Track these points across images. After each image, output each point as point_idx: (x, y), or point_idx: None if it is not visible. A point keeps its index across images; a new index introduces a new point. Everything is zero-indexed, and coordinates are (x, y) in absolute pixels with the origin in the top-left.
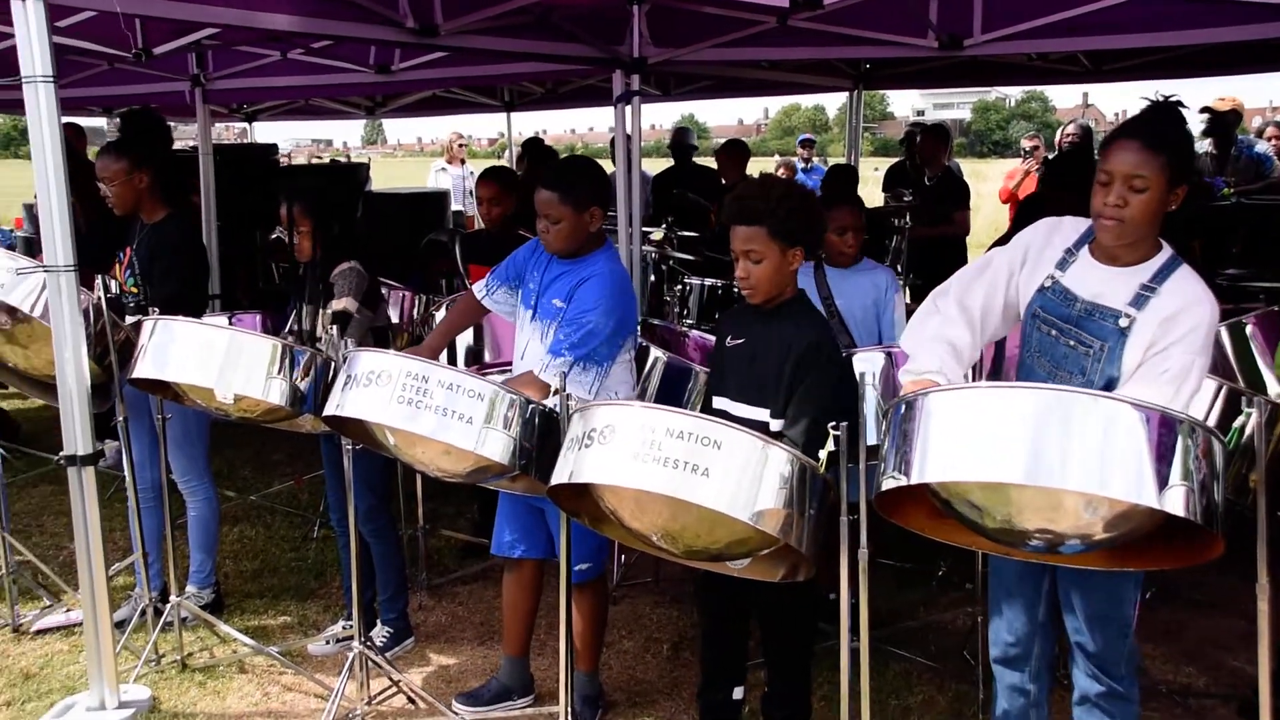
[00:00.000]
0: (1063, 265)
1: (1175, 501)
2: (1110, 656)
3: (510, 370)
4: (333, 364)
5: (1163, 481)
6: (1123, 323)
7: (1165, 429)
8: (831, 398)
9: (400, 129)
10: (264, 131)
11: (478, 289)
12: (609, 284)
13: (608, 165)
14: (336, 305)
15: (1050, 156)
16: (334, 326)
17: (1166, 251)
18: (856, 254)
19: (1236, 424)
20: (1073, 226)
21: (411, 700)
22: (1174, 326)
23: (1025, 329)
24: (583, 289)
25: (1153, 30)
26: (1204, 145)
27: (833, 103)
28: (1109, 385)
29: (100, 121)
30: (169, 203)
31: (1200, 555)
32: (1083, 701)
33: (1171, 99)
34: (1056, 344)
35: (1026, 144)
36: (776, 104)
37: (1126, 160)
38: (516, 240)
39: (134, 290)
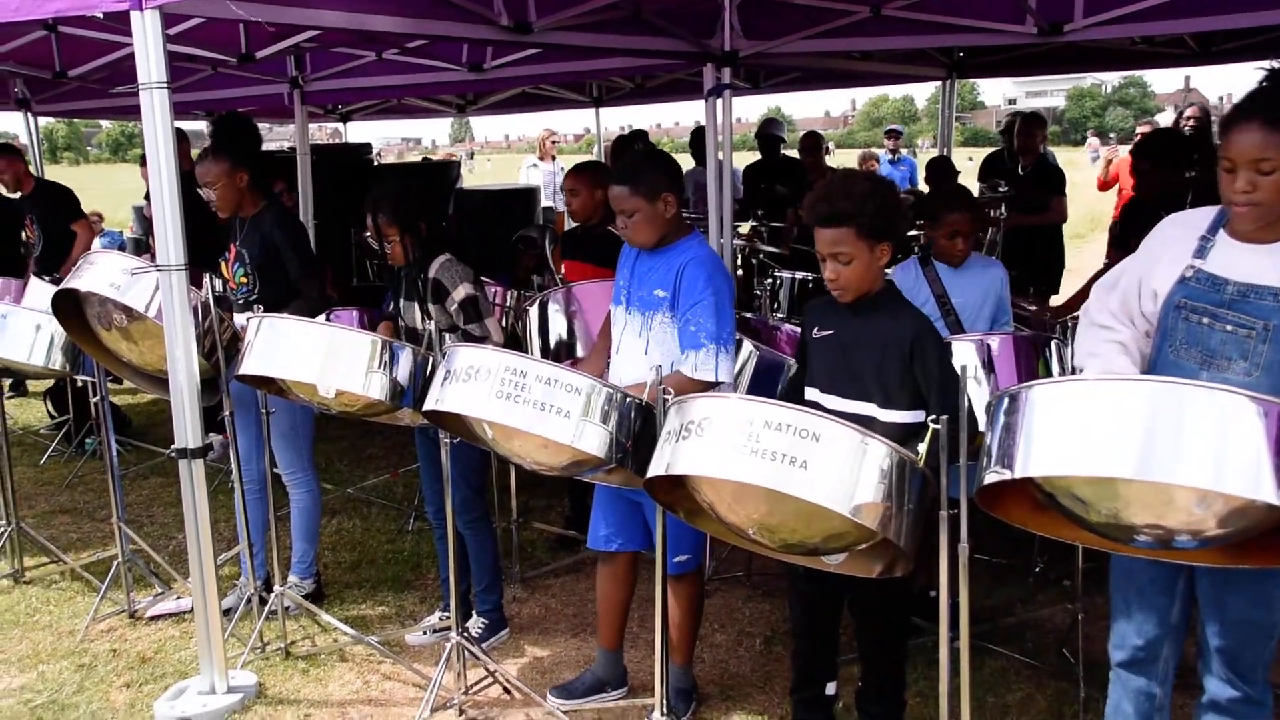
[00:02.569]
0: (1201, 253)
1: None
2: (1250, 661)
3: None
4: (431, 359)
5: None
6: None
7: None
8: (954, 381)
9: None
10: (356, 131)
11: (611, 310)
12: (711, 264)
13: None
14: (459, 295)
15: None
16: (462, 316)
17: None
18: (967, 253)
19: None
20: (1202, 215)
21: (507, 690)
22: None
23: (1166, 323)
24: (687, 272)
25: (1266, 9)
26: None
27: (921, 93)
28: (1276, 367)
29: (201, 125)
30: (265, 195)
31: None
32: (1212, 706)
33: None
34: (1211, 332)
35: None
36: (864, 95)
37: (1249, 143)
38: (603, 235)
39: (244, 281)
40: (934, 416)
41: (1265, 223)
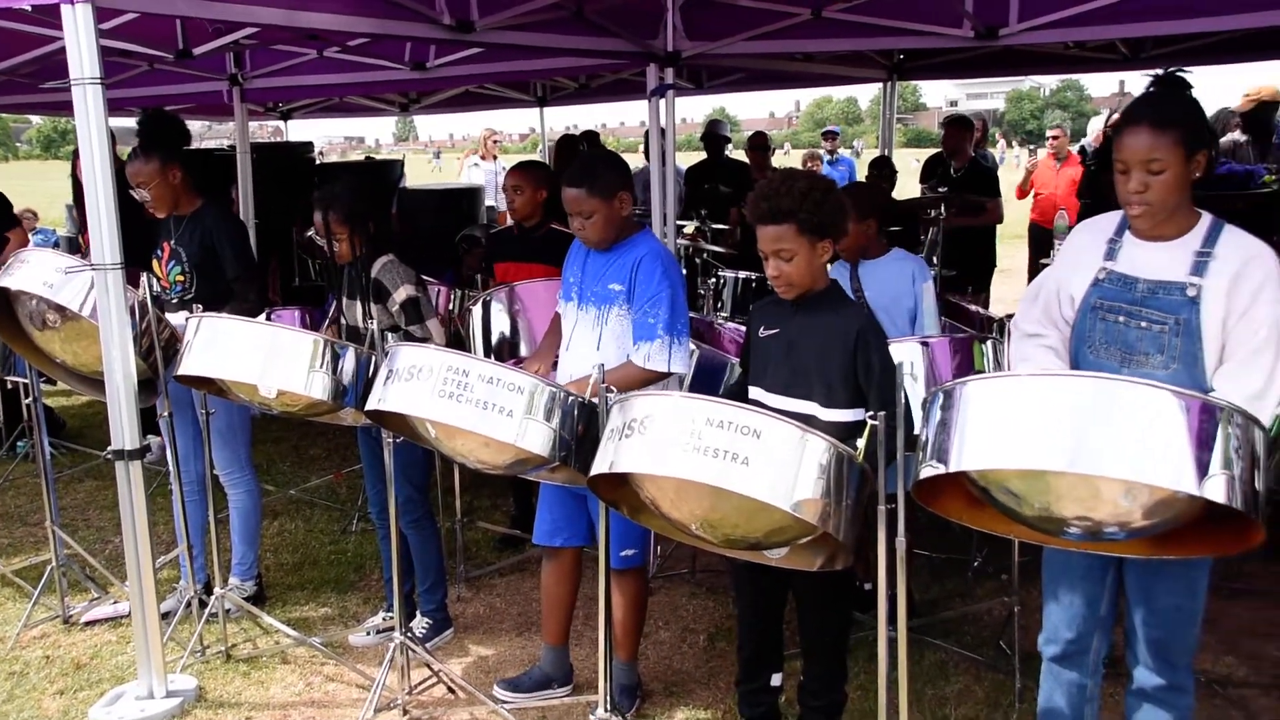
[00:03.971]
0: (1111, 255)
1: (1216, 489)
2: (1178, 648)
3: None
4: (373, 358)
5: (1203, 469)
6: (1190, 292)
7: (1206, 416)
8: (892, 374)
9: (431, 125)
10: (297, 129)
11: (560, 308)
12: (667, 259)
13: (638, 160)
14: (400, 296)
15: (1084, 145)
16: (404, 316)
17: (1207, 216)
18: (870, 249)
19: (1279, 412)
20: (1109, 219)
21: (451, 690)
22: (1245, 284)
23: (1083, 326)
24: (644, 265)
25: (1191, 16)
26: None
27: (865, 94)
28: (1192, 359)
29: (131, 122)
30: (201, 193)
31: (1241, 543)
32: (1140, 694)
33: (1170, 70)
34: (1126, 329)
35: (1053, 134)
36: (808, 96)
37: (1138, 145)
38: (546, 235)
39: (180, 280)
40: (872, 413)
41: (1159, 221)
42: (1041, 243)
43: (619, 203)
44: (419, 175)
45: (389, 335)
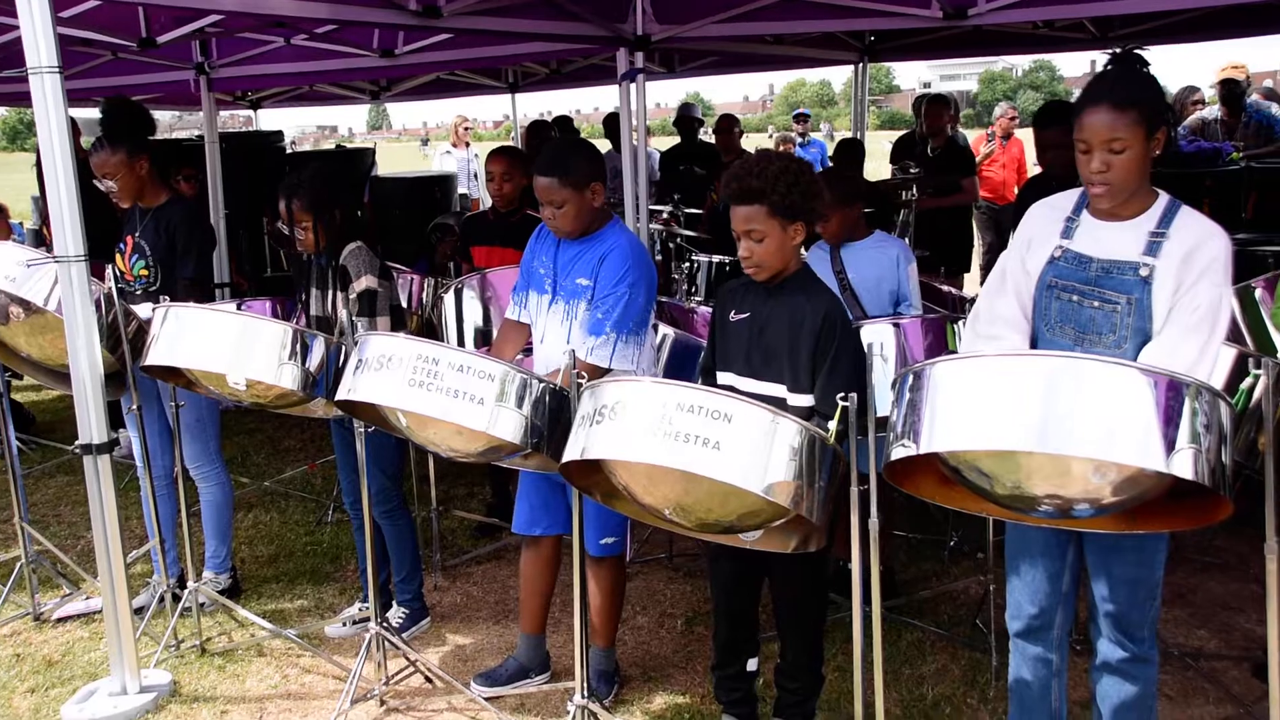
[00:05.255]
0: (1068, 233)
1: (1183, 464)
2: (1137, 620)
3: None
4: (344, 348)
5: (1170, 445)
6: (1143, 272)
7: (1173, 392)
8: (854, 368)
9: (405, 113)
10: (268, 119)
11: (510, 312)
12: (631, 254)
13: (605, 144)
14: (359, 286)
15: None
16: (357, 306)
17: (1164, 197)
18: (852, 231)
19: (1244, 386)
20: (1067, 197)
21: (429, 679)
22: (1194, 263)
23: (1040, 303)
24: (608, 263)
25: None
26: (1214, 111)
27: (838, 77)
28: (1142, 337)
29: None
30: (168, 186)
31: (1209, 517)
32: (1104, 667)
33: (1128, 48)
34: (1080, 308)
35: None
36: (781, 80)
37: (1100, 125)
38: (521, 220)
39: (144, 274)
40: (843, 394)
41: (1121, 200)
42: (996, 221)
43: (591, 193)
44: (405, 163)
45: (359, 324)
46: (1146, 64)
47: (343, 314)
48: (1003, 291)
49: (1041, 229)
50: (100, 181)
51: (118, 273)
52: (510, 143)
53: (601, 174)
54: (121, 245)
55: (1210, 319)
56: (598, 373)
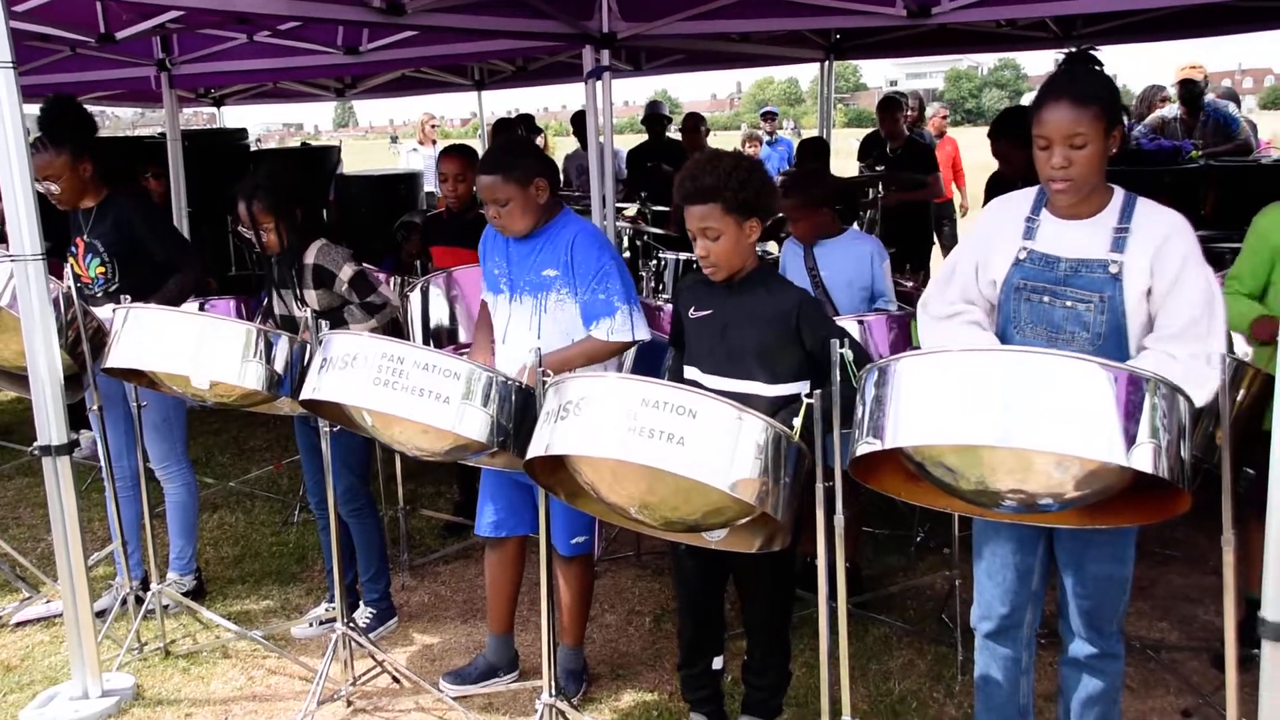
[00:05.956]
0: (1029, 234)
1: (1143, 459)
2: (1108, 615)
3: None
4: (308, 346)
5: (1130, 439)
6: (1112, 269)
7: (1133, 387)
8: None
9: (372, 111)
10: (233, 116)
11: (487, 297)
12: (599, 234)
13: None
14: (345, 275)
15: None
16: (354, 292)
17: (1120, 191)
18: (823, 229)
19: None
20: (1023, 196)
21: (396, 679)
22: (1170, 255)
23: (1008, 306)
24: (579, 245)
25: None
26: (1174, 110)
27: (806, 75)
28: (1117, 334)
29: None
30: (108, 183)
31: (1170, 510)
32: (1073, 662)
33: (1083, 48)
34: (1052, 309)
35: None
36: (749, 78)
37: (1061, 121)
38: (477, 219)
39: (101, 272)
40: (807, 391)
41: (1082, 196)
42: (937, 220)
43: (535, 189)
44: (375, 160)
45: (323, 322)
46: (1101, 63)
47: (306, 312)
48: (950, 283)
49: (1000, 230)
50: (41, 184)
51: (75, 275)
52: (478, 141)
53: (546, 170)
54: (73, 249)
55: (1209, 303)
56: (624, 349)
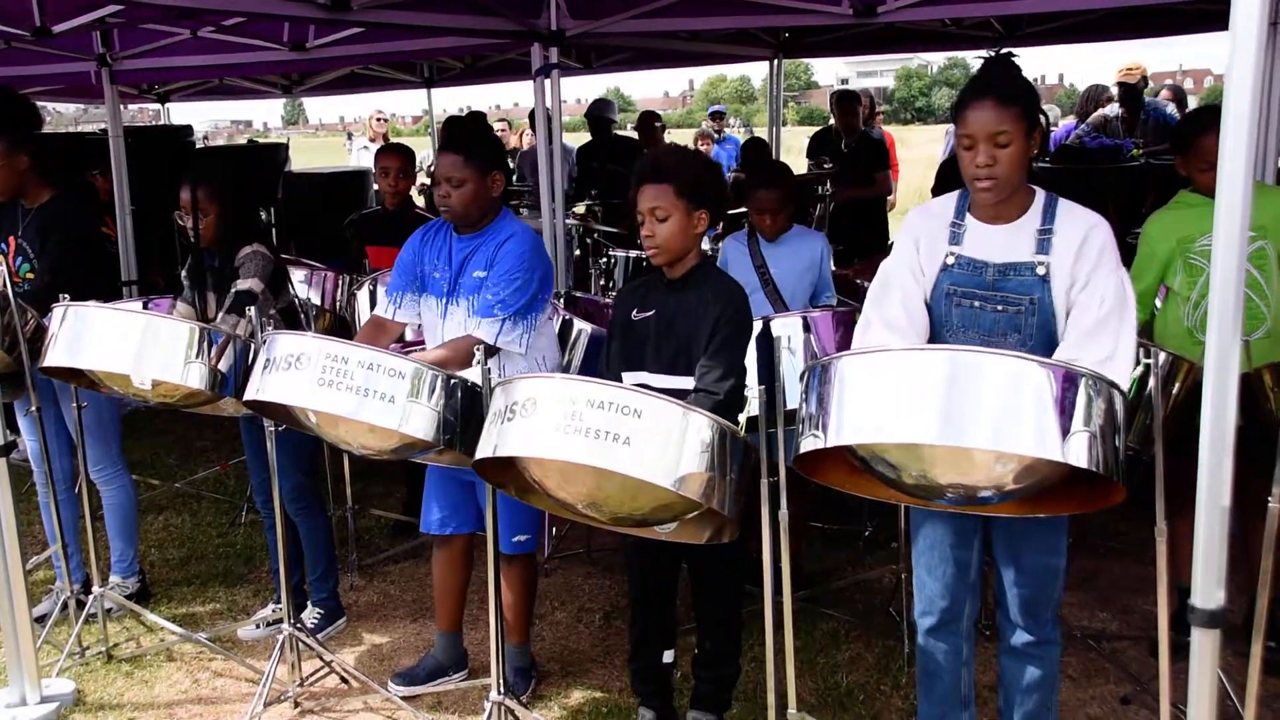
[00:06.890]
0: (955, 239)
1: (1078, 453)
2: (1044, 603)
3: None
4: (252, 346)
5: (1065, 434)
6: (1040, 271)
7: (1068, 383)
8: (740, 352)
9: (322, 108)
10: (180, 113)
11: (382, 309)
12: (528, 242)
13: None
14: (242, 285)
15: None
16: (229, 303)
17: (1041, 193)
18: (784, 225)
19: (1135, 374)
20: (943, 203)
21: (345, 680)
22: (1087, 253)
23: (940, 311)
24: (504, 250)
25: None
26: (1115, 109)
27: (758, 73)
28: (1048, 335)
29: None
30: (52, 183)
31: (1107, 500)
32: (1011, 651)
33: (1002, 52)
34: (982, 313)
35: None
36: (701, 75)
37: (985, 120)
38: (413, 218)
39: (30, 277)
40: (750, 387)
41: (1004, 196)
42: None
43: (491, 181)
44: (329, 158)
45: (269, 322)
46: (1019, 66)
47: (232, 312)
48: (888, 297)
49: (926, 236)
50: None
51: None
52: (428, 138)
53: (504, 166)
54: (3, 246)
55: (1119, 305)
56: (473, 352)
